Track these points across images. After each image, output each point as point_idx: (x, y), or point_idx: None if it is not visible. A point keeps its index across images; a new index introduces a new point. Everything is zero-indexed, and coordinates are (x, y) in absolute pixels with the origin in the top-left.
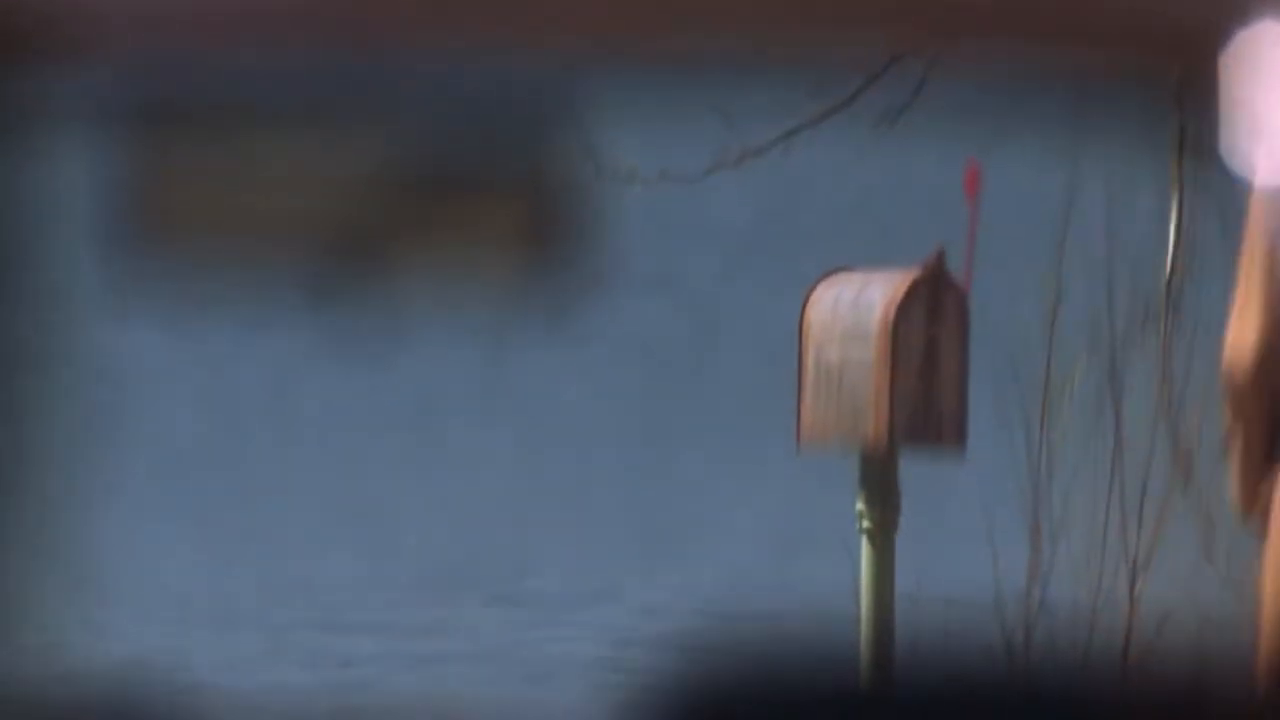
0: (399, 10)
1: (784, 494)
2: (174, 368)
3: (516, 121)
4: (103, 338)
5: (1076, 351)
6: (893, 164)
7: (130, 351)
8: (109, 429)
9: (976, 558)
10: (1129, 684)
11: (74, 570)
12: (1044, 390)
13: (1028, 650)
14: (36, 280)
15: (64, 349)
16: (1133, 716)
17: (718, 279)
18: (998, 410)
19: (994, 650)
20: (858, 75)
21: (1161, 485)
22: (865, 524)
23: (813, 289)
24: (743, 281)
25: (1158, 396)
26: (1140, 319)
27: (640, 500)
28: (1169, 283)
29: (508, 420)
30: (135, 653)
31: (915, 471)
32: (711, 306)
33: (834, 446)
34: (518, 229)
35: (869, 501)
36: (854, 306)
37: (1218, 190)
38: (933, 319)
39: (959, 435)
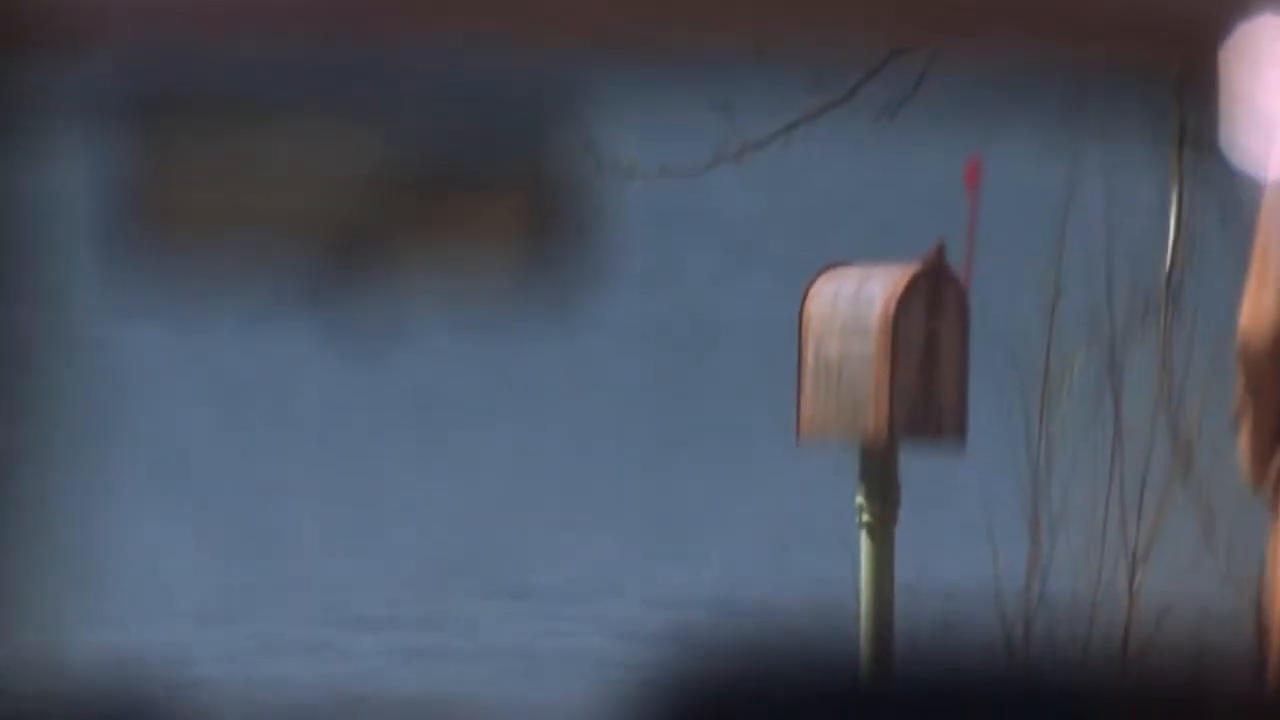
0: (400, 6)
1: (784, 488)
2: (174, 363)
3: (517, 116)
4: (103, 333)
5: (1076, 344)
6: (893, 158)
7: (131, 347)
8: (109, 426)
9: (976, 551)
10: (1128, 676)
11: (74, 567)
12: (1044, 383)
13: (1027, 643)
14: (36, 277)
15: (64, 346)
16: (1132, 709)
17: (718, 273)
18: (998, 403)
19: (993, 643)
20: (858, 69)
21: (1161, 478)
22: (865, 517)
23: (812, 283)
24: (743, 276)
25: (1157, 389)
26: (1140, 312)
27: (640, 494)
28: (1169, 276)
29: (508, 415)
30: (136, 648)
31: (915, 465)
32: (711, 301)
33: (834, 440)
34: (518, 223)
35: (869, 495)
36: (854, 300)
37: (1217, 183)
38: (933, 313)
39: (959, 429)
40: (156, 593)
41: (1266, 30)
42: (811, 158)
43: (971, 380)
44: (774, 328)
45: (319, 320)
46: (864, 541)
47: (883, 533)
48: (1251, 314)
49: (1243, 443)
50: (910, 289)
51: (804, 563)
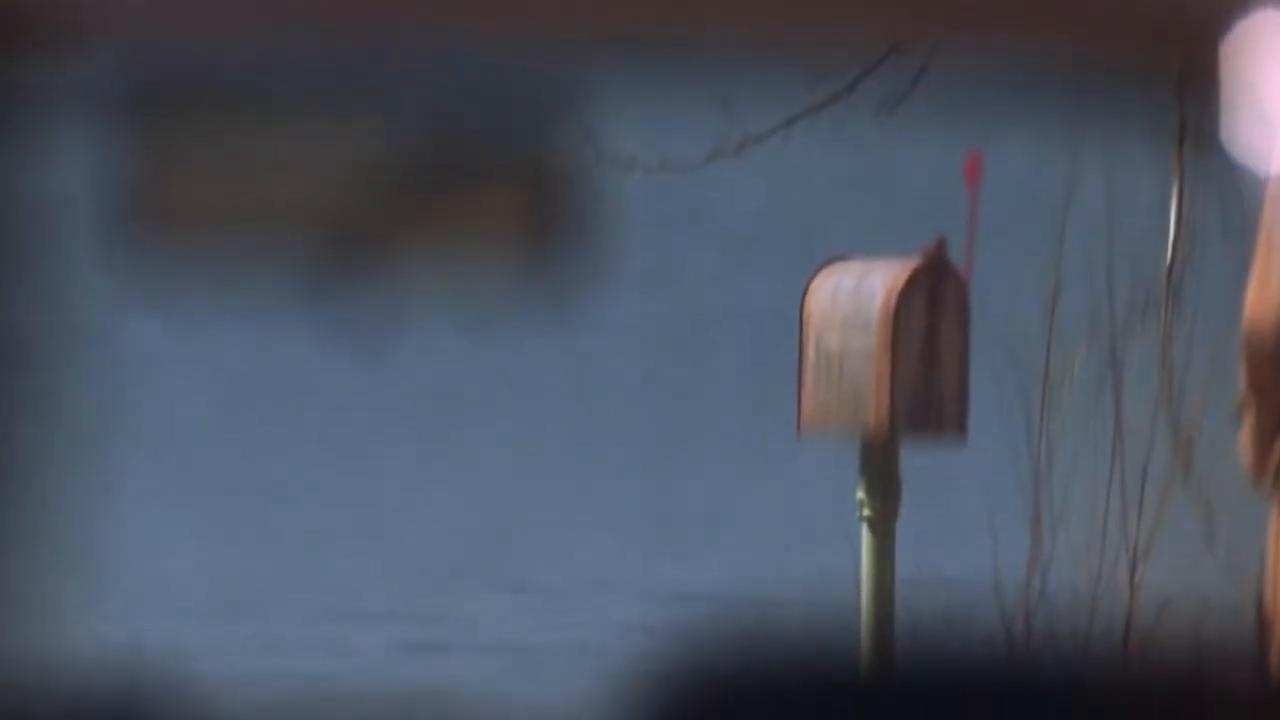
0: (401, 2)
1: (784, 483)
2: (176, 361)
3: (517, 109)
4: (105, 330)
5: (1077, 340)
6: (893, 153)
7: (132, 345)
8: (111, 423)
9: (977, 545)
10: (1129, 671)
11: (76, 563)
12: (1044, 378)
13: (1028, 637)
14: (36, 275)
15: (65, 344)
16: (1133, 703)
17: (718, 266)
18: (998, 398)
19: (994, 637)
20: (858, 64)
21: (1161, 473)
22: (866, 512)
23: (813, 277)
24: (742, 271)
25: (1158, 385)
26: (1140, 308)
27: (641, 490)
28: (1169, 272)
29: (509, 410)
30: (138, 643)
31: (916, 459)
32: (712, 294)
33: (834, 434)
34: (518, 217)
35: (869, 489)
36: (854, 294)
37: (1218, 179)
38: (933, 307)
39: (959, 423)
40: (158, 588)
41: (1267, 26)
42: (811, 152)
43: (972, 376)
44: (775, 321)
45: (321, 319)
46: (865, 535)
47: (883, 527)
48: (1255, 308)
49: (1245, 436)
50: (911, 283)
51: (805, 557)
